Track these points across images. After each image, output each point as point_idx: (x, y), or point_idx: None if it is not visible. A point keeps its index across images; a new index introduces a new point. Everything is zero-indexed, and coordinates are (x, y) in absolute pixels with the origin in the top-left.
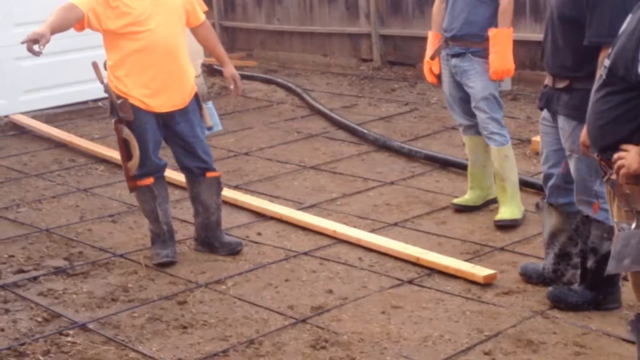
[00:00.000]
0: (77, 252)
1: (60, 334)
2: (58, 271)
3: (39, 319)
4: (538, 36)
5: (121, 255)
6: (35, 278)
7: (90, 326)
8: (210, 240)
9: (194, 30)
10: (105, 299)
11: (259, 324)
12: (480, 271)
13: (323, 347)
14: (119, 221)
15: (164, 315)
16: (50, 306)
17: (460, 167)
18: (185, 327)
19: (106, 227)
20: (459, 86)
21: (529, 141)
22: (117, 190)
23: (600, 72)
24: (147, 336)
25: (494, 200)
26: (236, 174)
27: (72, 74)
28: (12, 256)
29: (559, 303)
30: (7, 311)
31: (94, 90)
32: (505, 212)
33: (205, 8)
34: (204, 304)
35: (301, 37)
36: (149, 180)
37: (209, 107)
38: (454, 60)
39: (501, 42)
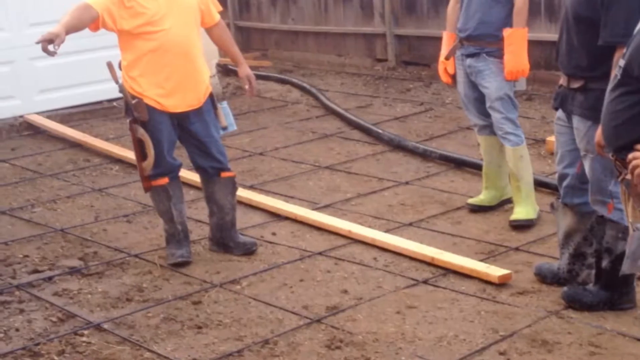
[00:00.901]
0: (92, 252)
1: (75, 334)
2: (73, 271)
3: (54, 319)
4: (553, 36)
5: (136, 255)
6: (50, 278)
7: (105, 326)
8: (225, 240)
9: (209, 30)
10: (120, 299)
11: (273, 324)
12: (495, 271)
13: (338, 347)
14: (134, 221)
15: (178, 315)
16: (65, 306)
17: (475, 167)
18: (200, 327)
19: (121, 227)
20: (473, 86)
21: (543, 141)
22: (132, 190)
23: (615, 72)
24: (162, 336)
25: (509, 201)
26: (251, 174)
27: (86, 74)
28: (27, 256)
29: (574, 303)
30: (22, 311)
31: (108, 90)
32: (520, 212)
33: (220, 8)
34: (219, 304)
35: (316, 37)
36: (164, 180)
37: (223, 107)
38: (468, 61)
39: (516, 42)
